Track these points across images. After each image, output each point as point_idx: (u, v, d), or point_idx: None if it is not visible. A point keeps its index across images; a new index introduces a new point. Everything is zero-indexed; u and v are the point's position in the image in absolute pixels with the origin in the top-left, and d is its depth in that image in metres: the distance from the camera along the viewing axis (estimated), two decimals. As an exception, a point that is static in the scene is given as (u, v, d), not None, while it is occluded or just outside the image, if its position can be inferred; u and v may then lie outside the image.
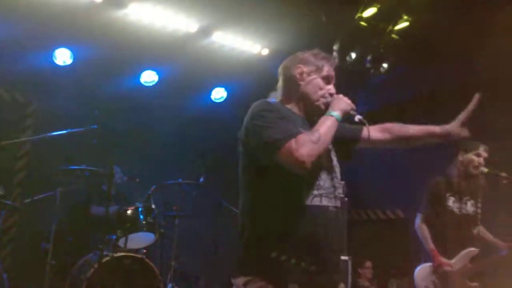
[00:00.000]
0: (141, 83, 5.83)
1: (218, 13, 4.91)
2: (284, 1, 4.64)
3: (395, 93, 6.10)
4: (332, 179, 2.02)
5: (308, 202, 1.93)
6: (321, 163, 1.97)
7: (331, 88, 2.14)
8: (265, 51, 5.53)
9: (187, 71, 5.63)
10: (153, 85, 5.87)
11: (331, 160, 2.08)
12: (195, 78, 5.88)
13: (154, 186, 4.53)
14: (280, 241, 1.89)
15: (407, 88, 5.93)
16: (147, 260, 4.06)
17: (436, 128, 2.31)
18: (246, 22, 5.09)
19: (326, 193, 1.97)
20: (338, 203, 2.02)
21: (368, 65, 5.28)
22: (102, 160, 4.32)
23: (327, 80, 2.14)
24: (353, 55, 5.13)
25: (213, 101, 6.43)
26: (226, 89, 6.41)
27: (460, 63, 5.23)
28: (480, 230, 3.81)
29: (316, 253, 1.90)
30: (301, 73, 2.14)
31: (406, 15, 4.71)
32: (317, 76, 2.13)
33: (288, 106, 2.15)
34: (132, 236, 4.22)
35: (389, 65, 5.45)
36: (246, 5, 4.67)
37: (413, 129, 2.34)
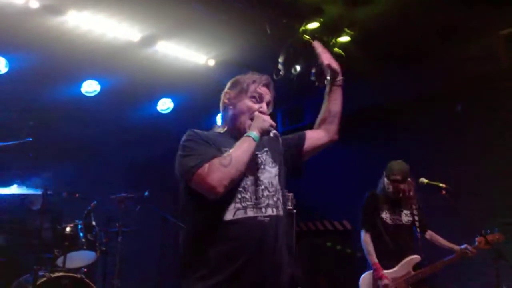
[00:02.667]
0: (82, 94, 5.61)
1: (162, 22, 4.82)
2: (230, 12, 4.62)
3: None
4: (261, 190, 1.99)
5: (229, 217, 1.90)
6: (245, 175, 1.97)
7: (262, 106, 2.14)
8: (211, 62, 5.48)
9: (131, 81, 5.48)
10: (95, 95, 5.66)
11: (262, 172, 2.05)
12: (139, 89, 5.74)
13: (95, 202, 4.35)
14: (203, 262, 1.87)
15: (352, 101, 6.05)
16: (87, 280, 3.89)
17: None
18: (192, 33, 5.03)
19: (253, 204, 1.94)
20: (271, 212, 1.97)
21: (312, 77, 5.33)
22: (36, 173, 4.13)
23: (256, 99, 2.14)
24: (298, 68, 5.19)
25: (159, 112, 6.30)
26: (173, 100, 6.29)
27: (407, 75, 5.42)
28: (431, 234, 3.99)
29: (245, 268, 1.84)
30: (229, 98, 2.18)
31: (348, 29, 4.83)
32: (244, 97, 2.14)
33: (223, 131, 2.17)
34: (71, 255, 4.03)
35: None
36: (192, 16, 4.62)
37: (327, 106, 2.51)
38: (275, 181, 2.08)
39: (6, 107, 5.11)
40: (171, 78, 5.59)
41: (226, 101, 2.18)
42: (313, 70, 5.20)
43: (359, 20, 4.71)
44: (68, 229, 4.09)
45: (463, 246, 3.79)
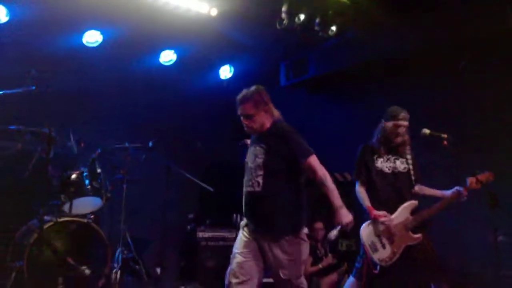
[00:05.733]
0: (84, 44, 5.57)
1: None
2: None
3: (346, 58, 6.13)
4: (251, 173, 3.19)
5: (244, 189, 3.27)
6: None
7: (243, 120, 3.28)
8: (214, 12, 5.37)
9: (133, 32, 5.42)
10: (97, 46, 5.62)
11: (253, 162, 3.21)
12: (142, 39, 5.68)
13: (99, 150, 4.42)
14: None
15: (358, 54, 5.96)
16: (93, 224, 4.01)
17: None
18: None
19: (246, 184, 3.22)
20: (253, 189, 3.15)
21: (316, 27, 5.26)
22: (42, 122, 4.16)
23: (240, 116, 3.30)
24: (302, 17, 5.10)
25: (161, 64, 6.26)
26: (175, 52, 6.24)
27: (414, 29, 5.30)
28: (420, 187, 3.93)
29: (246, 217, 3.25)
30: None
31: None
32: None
33: None
34: (78, 201, 4.15)
35: (337, 29, 5.46)
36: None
37: None
38: (258, 166, 3.18)
39: (7, 56, 5.10)
40: (173, 29, 5.52)
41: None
42: (317, 20, 5.13)
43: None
44: (73, 176, 4.18)
45: (454, 189, 3.77)
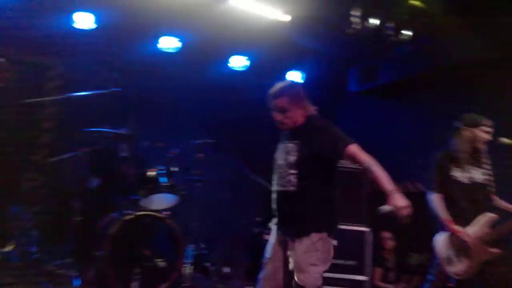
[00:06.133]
0: (160, 49, 5.85)
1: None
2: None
3: (419, 64, 5.99)
4: (283, 171, 3.04)
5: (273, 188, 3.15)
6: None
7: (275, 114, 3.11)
8: (287, 17, 5.46)
9: (206, 38, 5.63)
10: (174, 51, 5.89)
11: (285, 159, 3.06)
12: (214, 45, 5.88)
13: (175, 150, 4.63)
14: None
15: (431, 60, 5.81)
16: (168, 220, 4.19)
17: None
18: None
19: (277, 182, 3.10)
20: (286, 188, 3.01)
21: (388, 32, 5.18)
22: (123, 123, 4.44)
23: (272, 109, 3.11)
24: (373, 21, 5.03)
25: (232, 69, 6.43)
26: (248, 57, 6.38)
27: (490, 36, 5.10)
28: (495, 199, 3.78)
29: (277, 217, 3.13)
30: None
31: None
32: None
33: None
34: (154, 197, 4.36)
35: (413, 34, 5.34)
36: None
37: None
38: (291, 165, 3.02)
39: (94, 60, 5.48)
40: (246, 35, 5.65)
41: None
42: (390, 24, 5.07)
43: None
44: (151, 173, 4.41)
45: None
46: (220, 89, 6.16)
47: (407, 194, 2.96)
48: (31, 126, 5.27)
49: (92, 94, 4.26)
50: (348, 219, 5.91)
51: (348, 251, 5.79)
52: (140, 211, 4.20)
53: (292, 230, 3.02)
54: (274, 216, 3.14)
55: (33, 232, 4.54)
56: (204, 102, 6.06)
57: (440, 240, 3.73)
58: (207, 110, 6.07)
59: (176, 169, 4.53)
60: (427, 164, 3.91)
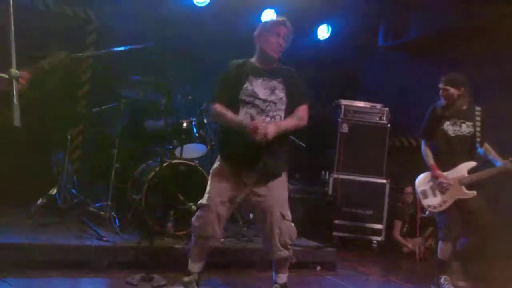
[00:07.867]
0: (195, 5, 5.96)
1: None
2: None
3: (452, 19, 5.91)
4: (268, 106, 3.15)
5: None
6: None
7: (278, 40, 3.19)
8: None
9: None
10: (206, 6, 5.99)
11: (271, 95, 3.16)
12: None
13: (205, 103, 4.84)
14: None
15: (466, 13, 5.70)
16: (200, 167, 4.49)
17: None
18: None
19: (261, 116, 3.11)
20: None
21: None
22: (158, 77, 4.65)
23: (275, 35, 3.19)
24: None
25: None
26: (275, 11, 6.42)
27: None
28: (486, 148, 4.10)
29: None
30: (257, 37, 3.30)
31: None
32: (268, 35, 3.23)
33: (252, 60, 3.33)
34: (187, 147, 4.65)
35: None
36: None
37: None
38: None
39: (129, 14, 5.63)
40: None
41: (256, 37, 3.27)
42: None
43: None
44: (184, 124, 4.68)
45: (504, 162, 3.94)
46: (251, 43, 6.23)
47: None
48: (74, 78, 5.57)
49: (127, 49, 4.43)
50: (368, 171, 6.14)
51: (367, 201, 6.06)
52: (174, 159, 4.50)
53: (274, 168, 3.13)
54: (235, 156, 3.19)
55: (75, 177, 4.93)
56: (234, 56, 6.16)
57: (420, 178, 4.25)
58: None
59: (206, 120, 4.76)
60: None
